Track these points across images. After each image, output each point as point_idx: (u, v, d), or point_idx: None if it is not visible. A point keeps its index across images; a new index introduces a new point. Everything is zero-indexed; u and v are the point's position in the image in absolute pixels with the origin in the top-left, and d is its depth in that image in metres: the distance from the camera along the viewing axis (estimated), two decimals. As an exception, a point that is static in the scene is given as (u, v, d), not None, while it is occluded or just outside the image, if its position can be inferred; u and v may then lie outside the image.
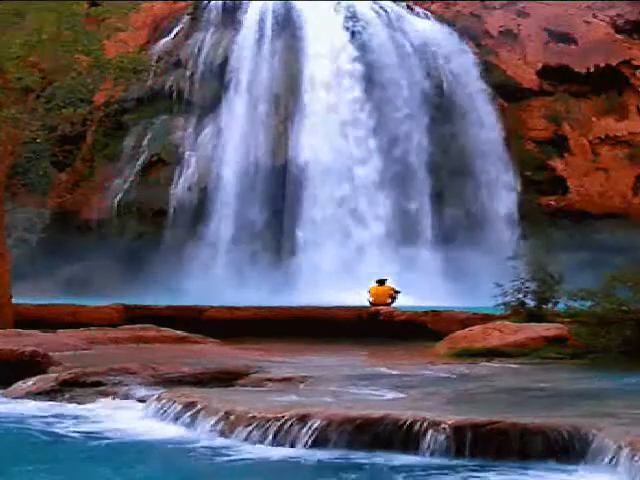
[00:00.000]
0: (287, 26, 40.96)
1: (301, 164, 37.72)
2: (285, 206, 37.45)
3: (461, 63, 41.53)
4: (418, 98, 39.87)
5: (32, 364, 12.41)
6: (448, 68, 41.08)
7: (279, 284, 33.10)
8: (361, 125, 38.69)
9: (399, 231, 36.75)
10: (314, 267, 34.90)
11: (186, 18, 43.37)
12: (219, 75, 40.46)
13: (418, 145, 39.07)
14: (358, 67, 39.71)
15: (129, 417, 9.93)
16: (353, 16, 41.55)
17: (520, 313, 18.22)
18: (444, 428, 7.87)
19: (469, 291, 28.45)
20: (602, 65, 41.53)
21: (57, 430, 9.32)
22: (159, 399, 9.99)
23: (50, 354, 12.88)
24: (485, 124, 40.58)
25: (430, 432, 7.90)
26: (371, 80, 39.46)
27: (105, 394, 11.03)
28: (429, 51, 41.23)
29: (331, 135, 38.21)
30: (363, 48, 40.32)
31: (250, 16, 41.66)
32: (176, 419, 9.38)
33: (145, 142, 40.24)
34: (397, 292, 22.44)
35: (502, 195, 39.57)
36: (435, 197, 38.59)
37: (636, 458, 7.05)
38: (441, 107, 40.17)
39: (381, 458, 7.85)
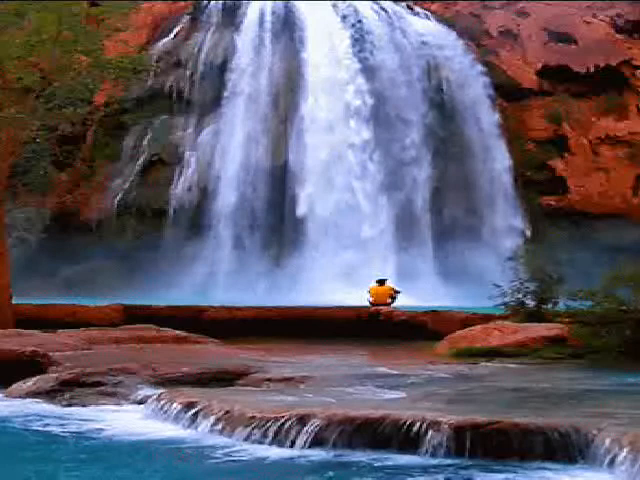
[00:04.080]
0: (287, 26, 40.97)
1: (301, 164, 37.73)
2: (285, 205, 37.45)
3: (461, 63, 41.54)
4: (418, 97, 39.88)
5: (32, 364, 12.41)
6: (448, 68, 41.09)
7: (280, 283, 33.10)
8: (360, 125, 38.67)
9: (399, 229, 36.74)
10: (315, 266, 34.89)
11: (186, 18, 43.39)
12: (219, 75, 40.45)
13: (418, 144, 39.07)
14: (358, 66, 39.71)
15: (129, 417, 9.93)
16: (353, 16, 41.55)
17: (520, 313, 18.22)
18: (444, 428, 7.87)
19: (468, 291, 28.44)
20: (602, 65, 41.54)
21: (57, 430, 9.32)
22: (159, 399, 9.98)
23: (50, 354, 12.88)
24: (485, 124, 40.60)
25: (430, 432, 7.89)
26: (371, 79, 39.46)
27: (105, 394, 11.03)
28: (429, 51, 41.23)
29: (331, 135, 38.20)
30: (363, 48, 40.32)
31: (250, 16, 41.67)
32: (176, 419, 9.38)
33: (145, 142, 40.25)
34: (397, 292, 22.43)
35: (502, 195, 39.58)
36: (435, 196, 38.60)
37: (636, 458, 7.05)
38: (441, 107, 40.19)
39: (381, 458, 7.85)
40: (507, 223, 38.77)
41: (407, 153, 38.87)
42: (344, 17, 41.51)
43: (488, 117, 40.73)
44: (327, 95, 38.96)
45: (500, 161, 40.14)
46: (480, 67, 41.69)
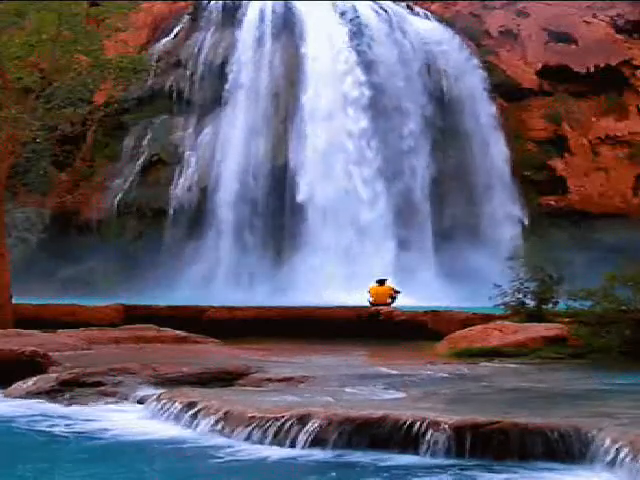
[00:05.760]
0: (287, 26, 40.95)
1: (301, 164, 37.72)
2: (285, 205, 37.45)
3: (461, 63, 41.56)
4: (418, 98, 39.87)
5: (32, 364, 12.41)
6: (448, 68, 41.09)
7: (280, 283, 33.10)
8: (361, 124, 38.67)
9: (400, 227, 36.75)
10: (315, 266, 34.88)
11: (186, 18, 43.38)
12: (219, 75, 40.45)
13: (417, 134, 39.07)
14: (358, 67, 39.70)
15: (129, 417, 9.92)
16: (353, 16, 41.54)
17: (520, 313, 18.22)
18: (444, 428, 7.87)
19: (469, 292, 28.43)
20: (602, 65, 41.53)
21: (57, 430, 9.32)
22: (159, 399, 9.98)
23: (50, 354, 12.88)
24: (485, 124, 40.60)
25: (430, 432, 7.89)
26: (371, 80, 39.44)
27: (105, 394, 11.03)
28: (429, 51, 41.24)
29: (331, 134, 38.20)
30: (363, 48, 40.31)
31: (250, 16, 41.65)
32: (176, 419, 9.38)
33: (145, 142, 40.25)
34: (397, 292, 22.44)
35: (500, 187, 39.60)
36: (435, 196, 38.60)
37: (636, 458, 7.05)
38: (441, 107, 40.18)
39: (381, 458, 7.85)
40: (506, 214, 38.79)
41: (405, 143, 38.87)
42: (344, 17, 41.47)
43: (486, 110, 40.75)
44: (327, 91, 38.95)
45: (498, 152, 40.16)
46: (480, 67, 41.72)
